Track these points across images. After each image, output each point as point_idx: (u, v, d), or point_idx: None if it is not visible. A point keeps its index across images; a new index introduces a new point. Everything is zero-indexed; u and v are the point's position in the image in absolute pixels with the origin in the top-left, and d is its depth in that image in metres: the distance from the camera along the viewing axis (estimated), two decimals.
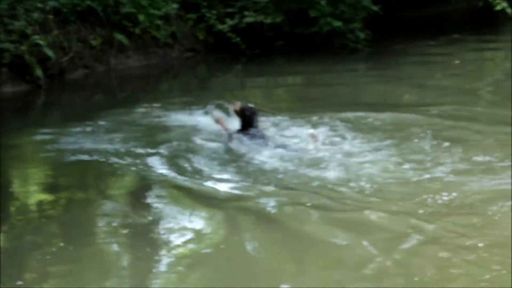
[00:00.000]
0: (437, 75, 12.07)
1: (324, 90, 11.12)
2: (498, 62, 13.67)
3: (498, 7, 14.88)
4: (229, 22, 15.18)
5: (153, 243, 5.29)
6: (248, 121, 7.61)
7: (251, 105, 7.77)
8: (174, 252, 5.10)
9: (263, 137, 7.53)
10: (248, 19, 15.09)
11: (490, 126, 7.78)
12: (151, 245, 5.23)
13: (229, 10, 15.50)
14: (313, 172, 6.49)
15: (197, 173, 6.71)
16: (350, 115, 8.47)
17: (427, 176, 6.19)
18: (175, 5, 14.85)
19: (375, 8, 15.21)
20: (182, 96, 8.69)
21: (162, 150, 7.42)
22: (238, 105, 7.66)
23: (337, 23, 14.53)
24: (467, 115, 8.44)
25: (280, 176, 6.46)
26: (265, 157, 7.03)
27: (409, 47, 15.16)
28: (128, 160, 7.26)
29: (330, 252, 4.95)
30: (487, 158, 6.55)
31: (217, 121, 7.82)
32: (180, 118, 8.61)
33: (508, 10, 14.89)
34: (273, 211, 5.73)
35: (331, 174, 6.40)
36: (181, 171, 6.76)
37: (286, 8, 15.29)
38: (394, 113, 8.54)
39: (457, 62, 13.08)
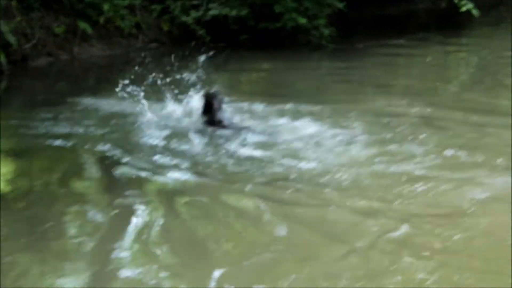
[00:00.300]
0: (400, 74, 12.23)
1: (287, 85, 11.23)
2: (462, 60, 13.89)
3: (464, 8, 14.93)
4: (194, 14, 15.17)
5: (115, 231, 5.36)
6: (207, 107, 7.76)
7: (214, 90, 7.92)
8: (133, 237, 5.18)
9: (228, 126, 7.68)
10: (213, 12, 15.08)
11: (457, 122, 7.99)
12: (114, 234, 5.30)
13: (194, 2, 15.47)
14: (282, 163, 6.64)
15: (152, 163, 6.79)
16: (314, 108, 8.62)
17: (398, 169, 6.34)
18: None
19: (340, 5, 15.31)
20: (142, 87, 8.74)
21: (119, 137, 7.51)
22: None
23: (302, 20, 14.59)
24: (432, 111, 8.63)
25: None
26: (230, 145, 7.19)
27: (373, 45, 15.30)
28: (90, 145, 7.35)
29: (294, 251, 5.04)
30: (459, 153, 6.77)
31: None
32: (139, 107, 8.64)
33: (474, 12, 14.92)
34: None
35: (303, 165, 6.54)
36: (137, 158, 6.87)
37: (251, 2, 15.30)
38: (354, 108, 8.69)
39: (428, 59, 13.25)
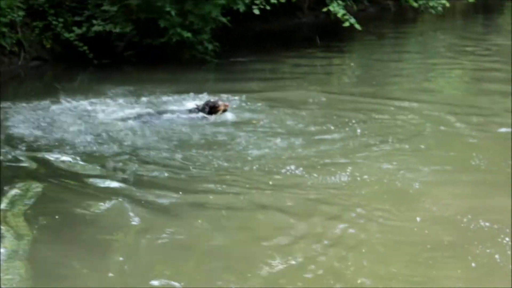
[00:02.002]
0: (285, 86, 12.51)
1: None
2: (345, 70, 14.38)
3: (347, 24, 15.54)
4: (77, 30, 15.01)
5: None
6: None
7: None
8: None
9: None
10: (96, 28, 14.97)
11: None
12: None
13: (77, 18, 15.32)
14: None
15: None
16: None
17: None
18: (21, 13, 14.53)
19: (223, 19, 15.48)
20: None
21: None
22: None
23: (187, 34, 14.67)
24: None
25: None
26: None
27: (257, 59, 15.60)
28: None
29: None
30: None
31: None
32: None
33: (357, 26, 15.47)
34: None
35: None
36: None
37: (136, 17, 15.29)
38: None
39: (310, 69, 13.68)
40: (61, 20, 15.13)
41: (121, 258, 5.45)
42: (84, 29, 15.06)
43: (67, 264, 5.39)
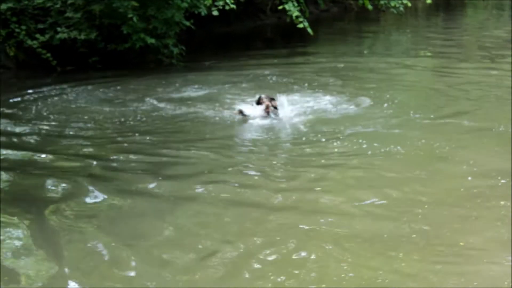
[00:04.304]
0: (246, 87, 12.64)
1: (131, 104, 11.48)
2: (306, 73, 14.51)
3: (300, 26, 15.81)
4: (41, 38, 14.99)
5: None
6: None
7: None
8: None
9: None
10: (61, 35, 14.96)
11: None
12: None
13: (40, 26, 15.30)
14: None
15: None
16: None
17: None
18: None
19: (187, 23, 15.56)
20: None
21: None
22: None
23: (150, 40, 14.72)
24: None
25: None
26: None
27: (221, 61, 15.72)
28: None
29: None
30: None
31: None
32: None
33: (309, 30, 15.79)
34: None
35: None
36: None
37: (99, 24, 15.32)
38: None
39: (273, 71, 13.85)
40: (24, 27, 15.10)
41: None
42: (47, 36, 15.04)
43: None
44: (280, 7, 16.32)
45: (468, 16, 25.36)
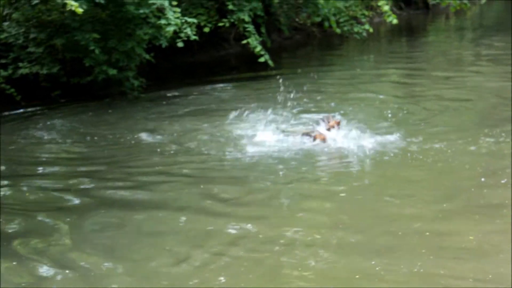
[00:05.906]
0: (212, 122, 12.83)
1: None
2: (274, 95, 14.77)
3: (262, 59, 16.79)
4: (3, 73, 15.06)
5: None
6: None
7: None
8: None
9: None
10: (23, 70, 15.07)
11: None
12: None
13: (3, 61, 15.39)
14: None
15: None
16: None
17: None
18: None
19: (147, 56, 15.74)
20: None
21: None
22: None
23: (112, 71, 14.84)
24: None
25: None
26: None
27: (184, 92, 15.88)
28: None
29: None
30: None
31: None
32: None
33: (269, 62, 16.79)
34: None
35: None
36: None
37: (62, 57, 15.45)
38: None
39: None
40: None
41: None
42: (10, 71, 15.12)
43: None
44: (244, 42, 17.25)
45: (430, 38, 25.79)
